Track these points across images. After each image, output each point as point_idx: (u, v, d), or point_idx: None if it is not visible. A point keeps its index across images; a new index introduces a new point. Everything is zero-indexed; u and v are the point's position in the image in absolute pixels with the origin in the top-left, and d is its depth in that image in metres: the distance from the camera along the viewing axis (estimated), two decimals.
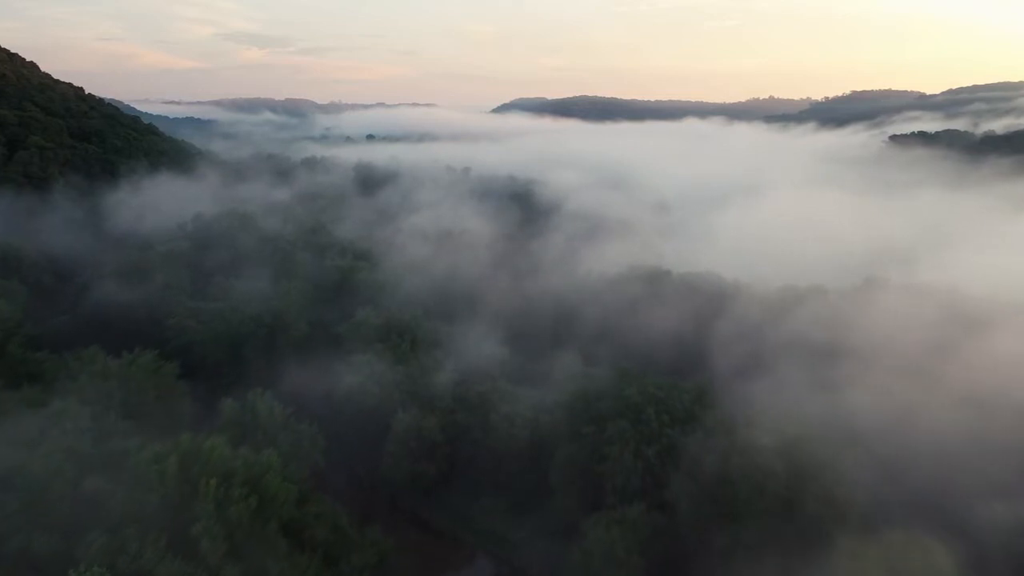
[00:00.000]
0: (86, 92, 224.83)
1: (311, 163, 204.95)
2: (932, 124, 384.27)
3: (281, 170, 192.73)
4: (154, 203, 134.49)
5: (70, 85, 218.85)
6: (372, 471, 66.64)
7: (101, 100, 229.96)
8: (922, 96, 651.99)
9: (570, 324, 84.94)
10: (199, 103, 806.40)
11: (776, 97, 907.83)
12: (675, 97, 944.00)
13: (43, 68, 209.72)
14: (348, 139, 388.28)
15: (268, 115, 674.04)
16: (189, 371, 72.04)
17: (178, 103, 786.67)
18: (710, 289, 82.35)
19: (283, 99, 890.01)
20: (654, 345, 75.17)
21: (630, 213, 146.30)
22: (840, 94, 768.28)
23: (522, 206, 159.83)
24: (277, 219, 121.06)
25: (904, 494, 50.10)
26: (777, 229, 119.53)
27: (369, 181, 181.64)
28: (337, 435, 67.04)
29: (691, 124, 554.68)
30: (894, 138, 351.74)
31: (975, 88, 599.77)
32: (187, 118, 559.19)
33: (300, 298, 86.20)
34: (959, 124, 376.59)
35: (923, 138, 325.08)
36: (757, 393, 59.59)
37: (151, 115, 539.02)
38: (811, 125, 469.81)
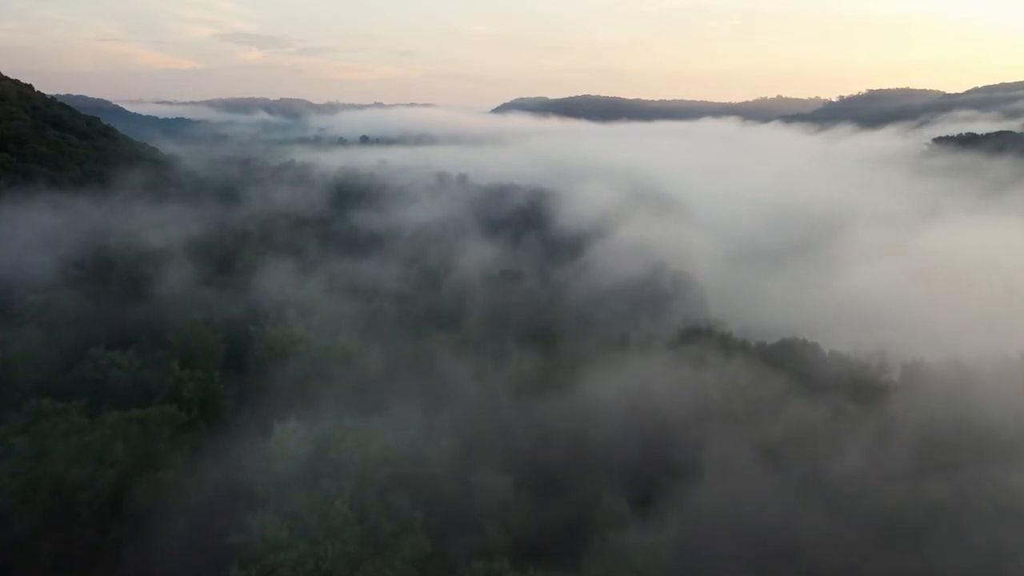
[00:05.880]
0: (36, 90, 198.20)
1: (284, 171, 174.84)
2: (978, 125, 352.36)
3: (248, 180, 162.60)
4: (61, 227, 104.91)
5: (15, 83, 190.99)
6: None
7: (53, 99, 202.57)
8: (945, 95, 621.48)
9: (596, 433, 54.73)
10: (191, 103, 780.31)
11: (784, 96, 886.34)
12: (680, 97, 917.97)
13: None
14: (341, 141, 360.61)
15: (262, 115, 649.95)
16: None
17: (170, 103, 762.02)
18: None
19: (277, 99, 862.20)
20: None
21: (706, 260, 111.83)
22: (856, 93, 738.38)
23: (539, 231, 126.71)
24: (209, 255, 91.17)
25: None
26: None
27: (348, 196, 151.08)
28: None
29: (708, 125, 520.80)
30: (938, 140, 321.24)
31: (1007, 86, 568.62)
32: (176, 119, 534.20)
33: (200, 393, 56.60)
34: (1006, 125, 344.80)
35: (974, 141, 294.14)
36: None
37: (139, 116, 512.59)
38: (846, 127, 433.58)
